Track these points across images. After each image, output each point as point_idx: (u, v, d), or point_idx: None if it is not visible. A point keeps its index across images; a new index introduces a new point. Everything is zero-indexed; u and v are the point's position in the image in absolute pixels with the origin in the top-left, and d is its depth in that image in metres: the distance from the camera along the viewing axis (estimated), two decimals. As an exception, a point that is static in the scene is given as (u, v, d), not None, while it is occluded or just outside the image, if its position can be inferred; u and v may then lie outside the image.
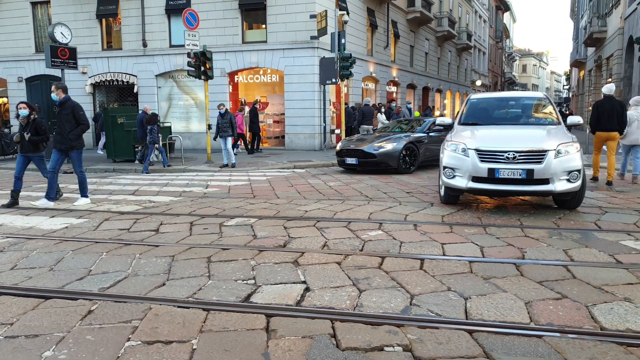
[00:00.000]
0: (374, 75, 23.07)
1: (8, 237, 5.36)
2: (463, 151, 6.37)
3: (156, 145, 12.57)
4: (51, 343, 2.77)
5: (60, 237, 5.28)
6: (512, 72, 72.55)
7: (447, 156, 6.59)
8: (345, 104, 17.48)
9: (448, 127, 7.75)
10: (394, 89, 26.63)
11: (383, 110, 16.75)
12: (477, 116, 7.59)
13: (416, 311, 3.18)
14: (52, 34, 13.81)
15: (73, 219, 6.35)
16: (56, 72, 16.77)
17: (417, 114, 26.39)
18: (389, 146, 10.95)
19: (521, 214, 6.28)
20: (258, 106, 17.42)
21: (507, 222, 5.76)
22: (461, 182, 6.34)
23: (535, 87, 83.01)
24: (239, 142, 16.19)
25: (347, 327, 2.92)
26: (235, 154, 13.79)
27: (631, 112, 9.03)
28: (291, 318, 3.07)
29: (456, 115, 8.59)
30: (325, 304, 3.31)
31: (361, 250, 4.65)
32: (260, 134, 17.03)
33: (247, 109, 17.29)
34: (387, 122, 16.23)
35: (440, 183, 7.08)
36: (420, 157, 11.33)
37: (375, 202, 7.28)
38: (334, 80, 15.84)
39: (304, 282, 3.75)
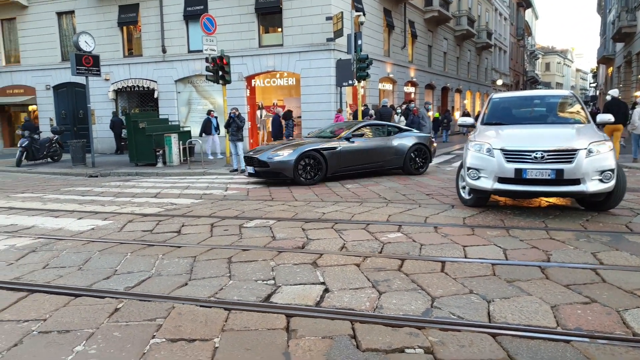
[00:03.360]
0: (391, 76, 23.03)
1: (40, 237, 5.54)
2: (488, 151, 6.22)
3: (290, 138, 14.21)
4: (82, 338, 2.88)
5: (88, 238, 5.44)
6: (535, 71, 71.36)
7: (471, 156, 6.45)
8: (364, 105, 17.48)
9: (470, 127, 7.64)
10: (412, 89, 26.53)
11: (399, 111, 16.70)
12: (501, 116, 7.41)
13: (437, 313, 3.19)
14: (77, 43, 14.16)
15: (99, 220, 6.52)
16: (81, 80, 17.18)
17: (437, 115, 26.23)
18: (284, 155, 9.90)
19: (546, 215, 6.19)
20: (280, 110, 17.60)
21: (531, 225, 5.69)
22: (486, 183, 6.20)
23: (559, 86, 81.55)
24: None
25: (367, 329, 2.95)
26: None
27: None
28: (311, 318, 3.12)
29: (477, 115, 8.53)
30: (345, 305, 3.35)
31: (380, 252, 4.67)
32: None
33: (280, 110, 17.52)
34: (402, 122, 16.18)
35: (461, 185, 7.02)
36: (334, 167, 10.27)
37: (394, 205, 7.29)
38: (350, 82, 15.85)
39: (323, 283, 3.79)
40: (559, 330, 2.89)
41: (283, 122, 16.11)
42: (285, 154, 9.93)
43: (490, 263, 4.21)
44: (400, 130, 11.48)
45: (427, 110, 16.43)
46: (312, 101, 17.76)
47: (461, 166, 7.11)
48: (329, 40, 17.28)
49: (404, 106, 17.65)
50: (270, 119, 17.45)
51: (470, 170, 6.41)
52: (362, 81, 15.33)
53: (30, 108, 22.95)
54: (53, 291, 3.69)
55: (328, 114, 17.67)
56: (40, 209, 7.58)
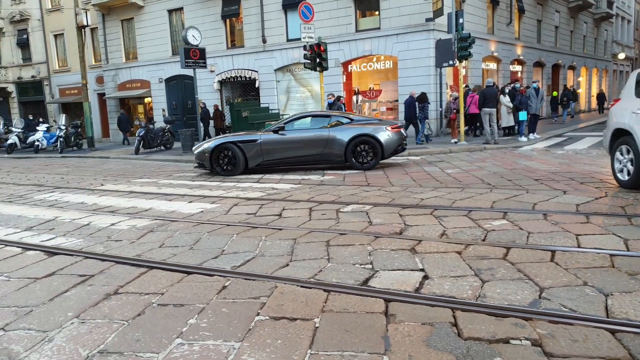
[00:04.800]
0: (495, 54, 21.73)
1: (156, 219, 6.07)
2: None
3: (427, 120, 15.00)
4: (194, 312, 3.11)
5: (197, 220, 5.85)
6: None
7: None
8: (466, 86, 16.70)
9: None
10: (518, 68, 24.83)
11: (507, 91, 15.68)
12: None
13: (546, 305, 2.99)
14: (186, 37, 15.16)
15: (207, 204, 6.98)
16: (189, 72, 18.38)
17: (554, 93, 24.31)
18: (204, 146, 10.37)
19: (673, 202, 5.53)
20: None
21: (655, 212, 5.11)
22: None
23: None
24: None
25: (469, 317, 2.85)
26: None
27: None
28: (410, 304, 3.07)
29: (614, 100, 7.87)
30: (445, 292, 3.26)
31: (483, 240, 4.47)
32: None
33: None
34: (510, 104, 15.20)
35: (618, 167, 6.55)
36: (255, 159, 10.32)
37: (499, 190, 6.92)
38: (451, 62, 15.21)
39: (422, 269, 3.72)
40: (694, 332, 2.56)
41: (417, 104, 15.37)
42: (205, 146, 10.44)
43: (608, 254, 3.83)
44: (352, 122, 10.55)
45: (535, 89, 15.23)
46: (410, 84, 17.35)
47: (614, 146, 6.69)
48: (427, 20, 16.71)
49: (510, 86, 16.55)
50: (366, 104, 17.36)
51: None
52: (464, 61, 14.62)
53: (146, 100, 25.09)
54: (169, 268, 4.02)
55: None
56: (156, 193, 8.29)
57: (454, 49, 14.23)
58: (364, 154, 10.20)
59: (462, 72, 15.43)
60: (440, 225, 5.06)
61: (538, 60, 26.47)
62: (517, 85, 15.98)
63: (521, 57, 24.36)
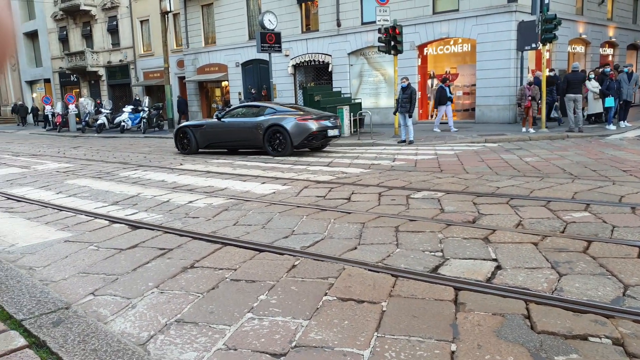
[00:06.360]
0: (583, 36, 20.21)
1: (231, 198, 6.33)
2: None
3: (556, 104, 14.90)
4: (264, 289, 3.23)
5: (270, 201, 6.03)
6: None
7: None
8: (550, 70, 15.72)
9: None
10: (609, 51, 22.97)
11: (592, 75, 14.53)
12: None
13: (631, 303, 2.80)
14: (262, 21, 15.45)
15: (279, 185, 7.16)
16: (264, 56, 18.77)
17: None
18: (175, 129, 12.57)
19: None
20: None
21: None
22: None
23: None
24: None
25: (544, 310, 2.73)
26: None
27: None
28: (481, 294, 3.00)
29: None
30: (519, 284, 3.14)
31: (562, 232, 4.24)
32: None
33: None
34: (597, 89, 14.10)
35: None
36: (203, 142, 12.05)
37: (582, 181, 6.50)
38: (534, 45, 14.35)
39: (495, 259, 3.60)
40: None
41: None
42: (175, 129, 12.65)
43: None
44: (274, 111, 11.22)
45: (627, 73, 13.97)
46: (489, 67, 16.63)
47: None
48: (510, 1, 15.84)
49: (600, 70, 15.34)
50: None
51: None
52: (548, 44, 13.74)
53: (223, 84, 25.97)
54: (242, 245, 4.19)
55: (506, 81, 16.38)
56: (231, 174, 8.61)
57: (538, 31, 13.41)
58: (277, 142, 10.97)
59: (546, 55, 14.50)
60: (516, 215, 4.85)
61: (633, 42, 24.31)
62: (607, 69, 14.77)
63: (613, 39, 22.48)
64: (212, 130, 11.95)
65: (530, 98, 13.55)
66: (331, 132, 11.12)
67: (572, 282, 3.12)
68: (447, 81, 15.65)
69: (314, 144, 11.17)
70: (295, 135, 10.67)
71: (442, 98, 15.07)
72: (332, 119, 11.38)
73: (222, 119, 11.80)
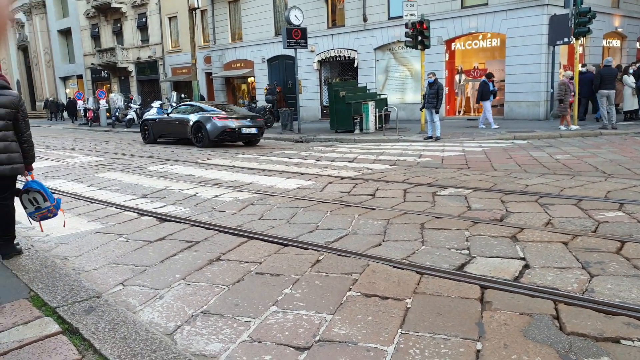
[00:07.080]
0: (620, 30, 19.54)
1: (256, 193, 6.38)
2: None
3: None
4: (289, 283, 3.25)
5: (294, 196, 6.05)
6: None
7: None
8: (583, 65, 15.27)
9: None
10: (646, 45, 22.15)
11: (631, 71, 14.03)
12: None
13: (665, 306, 2.71)
14: (288, 17, 15.47)
15: (304, 181, 7.18)
16: (290, 52, 18.79)
17: None
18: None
19: None
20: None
21: None
22: None
23: None
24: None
25: (574, 311, 2.67)
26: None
27: None
28: (508, 293, 2.95)
29: None
30: (548, 283, 3.08)
31: (594, 231, 4.13)
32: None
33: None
34: (633, 85, 13.61)
35: None
36: (157, 133, 14.54)
37: (615, 179, 6.32)
38: (566, 39, 13.97)
39: (523, 258, 3.54)
40: None
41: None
42: (141, 121, 15.18)
43: None
44: (202, 110, 13.27)
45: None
46: (519, 63, 16.26)
47: None
48: (541, -6, 15.44)
49: (637, 65, 14.81)
50: (469, 84, 16.56)
51: None
52: (581, 38, 13.34)
53: (249, 80, 26.12)
54: (267, 239, 4.22)
55: (537, 76, 16.00)
56: (257, 169, 8.67)
57: (571, 25, 13.03)
58: (200, 136, 12.99)
59: (579, 50, 14.10)
60: (546, 213, 4.75)
61: (672, 36, 23.36)
62: (644, 64, 14.26)
63: (651, 33, 21.67)
64: (161, 123, 14.47)
65: (573, 93, 13.04)
66: (246, 130, 12.86)
67: (603, 283, 3.04)
68: (492, 77, 15.21)
69: (229, 139, 12.99)
70: (211, 131, 12.66)
71: (484, 93, 14.66)
72: (251, 119, 13.22)
73: (170, 115, 14.28)
